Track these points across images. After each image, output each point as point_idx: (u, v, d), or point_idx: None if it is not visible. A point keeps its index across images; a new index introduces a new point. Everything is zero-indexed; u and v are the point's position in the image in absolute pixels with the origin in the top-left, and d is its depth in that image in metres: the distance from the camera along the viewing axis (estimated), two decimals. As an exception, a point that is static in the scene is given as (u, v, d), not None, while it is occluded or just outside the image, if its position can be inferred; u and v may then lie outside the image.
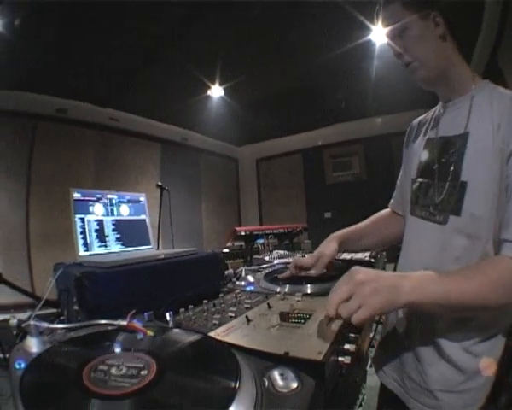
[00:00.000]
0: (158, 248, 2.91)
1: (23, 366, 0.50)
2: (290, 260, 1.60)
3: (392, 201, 1.14)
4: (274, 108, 4.46)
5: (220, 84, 3.80)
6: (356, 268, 0.65)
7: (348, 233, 1.11)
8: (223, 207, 6.20)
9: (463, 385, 0.76)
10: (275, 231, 2.64)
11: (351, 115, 4.71)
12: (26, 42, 2.64)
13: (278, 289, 1.03)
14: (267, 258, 1.90)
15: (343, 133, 5.35)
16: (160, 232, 3.19)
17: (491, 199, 0.72)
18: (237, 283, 1.23)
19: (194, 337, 0.62)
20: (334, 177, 5.59)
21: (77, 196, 1.17)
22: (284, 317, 0.72)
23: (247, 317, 0.74)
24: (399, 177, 1.09)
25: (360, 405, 1.08)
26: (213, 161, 6.05)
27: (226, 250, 2.53)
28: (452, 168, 0.78)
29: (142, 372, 0.46)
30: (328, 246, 1.04)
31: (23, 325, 0.61)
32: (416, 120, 1.03)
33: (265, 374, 0.48)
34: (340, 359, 0.58)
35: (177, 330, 0.69)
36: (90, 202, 1.21)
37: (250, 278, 1.26)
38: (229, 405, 0.39)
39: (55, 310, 0.99)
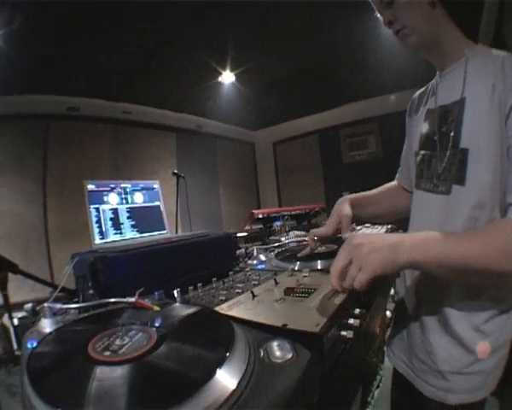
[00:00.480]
0: (176, 233, 2.99)
1: (35, 345, 0.53)
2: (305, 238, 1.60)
3: (397, 175, 1.11)
4: (287, 90, 4.39)
5: (231, 70, 3.75)
6: (352, 235, 0.66)
7: (359, 198, 1.07)
8: (241, 191, 6.24)
9: (472, 367, 0.74)
10: (292, 213, 2.65)
11: (365, 93, 4.61)
12: (33, 45, 2.71)
13: (288, 267, 1.03)
14: (283, 239, 1.91)
15: (358, 112, 5.27)
16: (178, 219, 3.25)
17: (493, 164, 0.69)
18: (249, 262, 1.24)
19: (193, 310, 0.64)
20: (351, 156, 5.54)
21: (91, 187, 1.22)
22: (288, 291, 0.72)
23: (252, 292, 0.75)
24: (403, 151, 1.07)
25: (378, 386, 1.08)
26: (229, 146, 6.06)
27: (244, 234, 2.57)
28: (452, 136, 0.76)
29: (143, 342, 0.49)
30: (344, 206, 1.00)
31: (37, 308, 0.64)
32: (417, 94, 1.00)
33: (262, 345, 0.49)
34: (342, 333, 0.57)
35: (180, 304, 0.71)
36: (105, 192, 1.26)
37: (262, 257, 1.27)
38: (216, 370, 0.40)
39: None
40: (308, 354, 0.46)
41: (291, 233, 2.10)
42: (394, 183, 1.13)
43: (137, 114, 4.57)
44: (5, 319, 3.52)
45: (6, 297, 1.01)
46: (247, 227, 2.55)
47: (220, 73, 3.81)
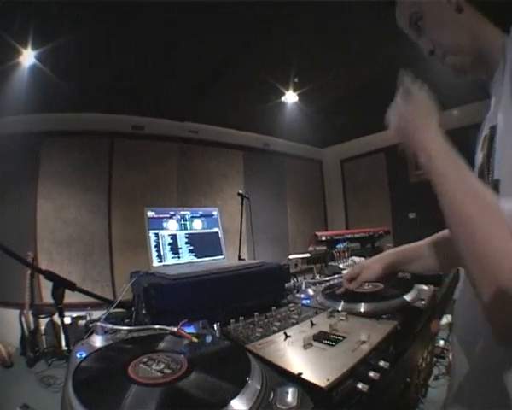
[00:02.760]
0: (239, 257, 3.13)
1: (84, 356, 0.67)
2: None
3: None
4: (351, 107, 4.41)
5: (294, 91, 3.90)
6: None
7: (402, 251, 1.07)
8: (308, 209, 6.29)
9: None
10: (356, 236, 2.64)
11: None
12: (98, 66, 3.06)
13: (332, 306, 1.07)
14: (341, 265, 1.92)
15: None
16: (241, 239, 3.40)
17: None
18: (297, 295, 1.30)
19: (224, 345, 0.75)
20: (417, 175, 5.36)
21: (151, 213, 1.38)
22: (319, 337, 0.77)
23: (285, 333, 0.82)
24: None
25: None
26: (297, 164, 6.17)
27: (307, 255, 2.63)
28: (489, 164, 0.71)
29: (175, 369, 0.60)
30: (370, 269, 1.07)
31: (90, 325, 0.79)
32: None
33: (275, 388, 0.56)
34: (358, 386, 0.60)
35: (216, 338, 0.81)
36: (164, 219, 1.41)
37: (309, 292, 1.32)
38: (226, 404, 0.50)
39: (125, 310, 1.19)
40: (311, 406, 0.52)
41: (350, 259, 2.10)
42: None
43: (204, 134, 4.93)
44: (56, 317, 3.96)
45: (61, 311, 1.19)
46: (311, 248, 2.61)
47: (283, 93, 3.97)
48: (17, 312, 3.68)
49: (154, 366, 0.61)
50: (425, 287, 1.17)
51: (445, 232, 1.05)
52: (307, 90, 3.82)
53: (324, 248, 2.57)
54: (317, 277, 2.01)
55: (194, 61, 3.20)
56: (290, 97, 4.05)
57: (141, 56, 3.03)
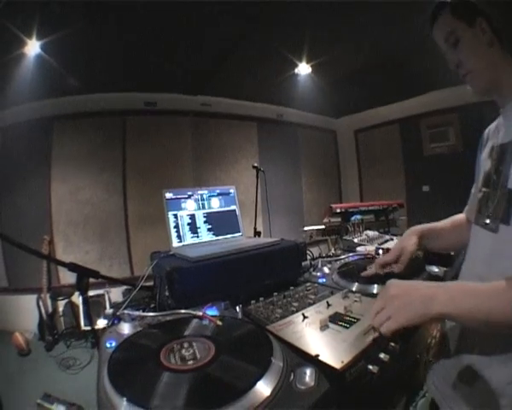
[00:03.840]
0: (255, 233, 3.21)
1: (114, 345, 0.75)
2: (371, 248, 1.65)
3: (466, 207, 1.12)
4: (365, 79, 4.34)
5: (307, 62, 3.85)
6: (390, 282, 0.74)
7: (428, 230, 1.16)
8: (323, 179, 6.29)
9: None
10: (370, 208, 2.69)
11: (443, 82, 4.28)
12: (110, 45, 3.05)
13: (347, 286, 1.14)
14: (356, 240, 1.97)
15: (438, 101, 5.04)
16: (257, 211, 3.47)
17: None
18: (313, 273, 1.37)
19: (247, 328, 0.82)
20: (432, 148, 5.33)
21: (169, 195, 1.42)
22: (334, 318, 0.84)
23: (303, 314, 0.89)
24: (474, 185, 1.07)
25: (424, 395, 1.12)
26: (311, 134, 6.12)
27: (322, 226, 2.70)
28: (503, 175, 0.80)
29: (204, 354, 0.67)
30: (410, 239, 1.13)
31: (118, 313, 0.87)
32: (487, 129, 1.02)
33: (295, 369, 0.63)
34: (369, 367, 0.66)
35: (239, 320, 0.88)
36: (182, 200, 1.46)
37: (325, 270, 1.38)
38: (252, 386, 0.56)
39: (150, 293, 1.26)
40: (327, 386, 0.58)
41: (364, 233, 2.14)
42: (462, 215, 1.15)
43: (217, 106, 4.92)
44: (75, 297, 4.14)
45: (86, 300, 1.26)
46: (326, 220, 2.67)
47: (296, 65, 3.92)
48: (34, 297, 3.81)
49: (183, 352, 0.67)
50: (436, 269, 1.22)
51: (459, 216, 1.15)
52: (321, 62, 3.77)
53: (339, 220, 2.62)
54: (332, 250, 2.08)
55: (208, 34, 3.15)
56: (303, 69, 4.02)
57: (152, 31, 3.01)
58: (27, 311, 3.82)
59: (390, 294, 0.71)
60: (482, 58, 0.82)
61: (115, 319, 0.91)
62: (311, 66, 3.95)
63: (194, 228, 1.47)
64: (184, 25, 2.94)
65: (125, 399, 0.54)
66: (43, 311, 3.77)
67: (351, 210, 2.58)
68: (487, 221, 0.84)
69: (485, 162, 0.92)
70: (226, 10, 2.75)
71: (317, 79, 4.23)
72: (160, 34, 3.07)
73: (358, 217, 2.42)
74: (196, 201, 1.52)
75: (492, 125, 0.99)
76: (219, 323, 0.82)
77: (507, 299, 0.62)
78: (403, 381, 0.97)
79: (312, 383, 0.58)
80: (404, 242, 1.14)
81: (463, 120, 4.88)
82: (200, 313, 0.86)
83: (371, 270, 1.18)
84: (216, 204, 1.59)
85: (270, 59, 3.66)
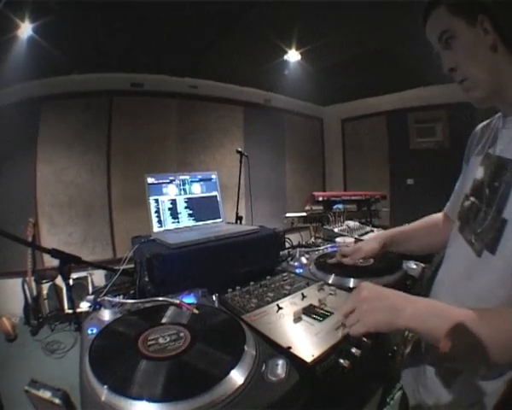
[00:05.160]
0: (237, 218, 3.22)
1: (95, 331, 0.76)
2: (350, 240, 1.69)
3: (448, 204, 1.10)
4: (354, 70, 4.36)
5: (297, 49, 3.83)
6: (363, 285, 0.73)
7: (394, 235, 1.20)
8: (307, 166, 6.33)
9: None
10: (353, 198, 2.70)
11: (434, 78, 4.33)
12: (97, 23, 2.97)
13: (323, 278, 1.16)
14: (336, 230, 2.00)
15: (427, 97, 5.09)
16: (239, 195, 3.47)
17: None
18: (290, 263, 1.40)
19: (222, 317, 0.84)
20: (418, 143, 5.42)
21: (151, 180, 1.41)
22: (308, 310, 0.86)
23: (277, 305, 0.91)
24: (458, 182, 1.05)
25: (401, 388, 1.17)
26: (297, 120, 6.12)
27: (304, 214, 2.72)
28: (498, 198, 0.72)
29: (180, 342, 0.69)
30: (369, 244, 1.18)
31: (98, 300, 0.87)
32: (479, 127, 0.95)
33: (267, 360, 0.65)
34: (340, 361, 0.69)
35: (215, 309, 0.90)
36: (164, 185, 1.45)
37: (303, 260, 1.40)
38: (226, 374, 0.59)
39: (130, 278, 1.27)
40: (297, 378, 0.61)
41: (345, 223, 2.17)
42: (439, 215, 1.15)
43: (204, 89, 4.84)
44: (59, 280, 4.08)
45: (69, 286, 1.26)
46: (308, 207, 2.69)
47: (286, 52, 3.89)
48: (19, 280, 3.74)
49: (160, 340, 0.69)
50: (414, 265, 1.26)
51: (433, 218, 1.16)
52: (310, 50, 3.74)
53: (321, 208, 2.64)
54: (312, 239, 2.11)
55: (197, 18, 3.08)
56: (293, 56, 3.99)
57: (141, 14, 2.93)
58: (13, 295, 3.76)
59: (361, 296, 0.70)
60: (483, 63, 0.73)
61: (96, 305, 0.91)
62: (301, 53, 3.92)
63: (174, 213, 1.47)
64: (174, 9, 2.86)
65: (106, 386, 0.56)
66: (28, 294, 3.71)
67: (333, 199, 2.58)
68: (473, 239, 0.79)
69: (475, 167, 0.86)
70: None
71: (307, 66, 4.21)
72: (148, 18, 3.01)
73: (340, 206, 2.45)
74: (178, 186, 1.51)
75: (484, 125, 0.93)
76: (196, 311, 0.84)
77: (479, 329, 0.60)
78: (379, 372, 1.01)
79: (283, 375, 0.61)
80: (364, 244, 1.21)
81: (452, 117, 4.93)
82: (177, 301, 0.88)
83: (333, 259, 1.26)
84: (197, 190, 1.59)
85: (259, 45, 3.61)
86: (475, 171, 0.85)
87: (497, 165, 0.77)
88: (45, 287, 3.90)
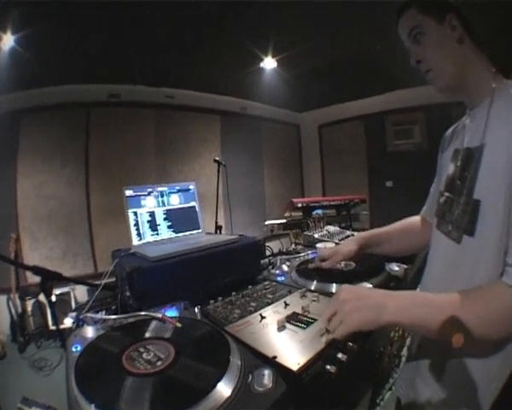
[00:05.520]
0: (217, 227, 3.21)
1: (79, 349, 0.74)
2: (330, 245, 1.70)
3: (424, 208, 1.15)
4: (331, 75, 4.45)
5: (273, 57, 3.88)
6: (343, 287, 0.75)
7: (371, 237, 1.22)
8: (285, 173, 6.39)
9: None
10: (332, 203, 2.73)
11: (411, 81, 4.46)
12: (72, 35, 2.97)
13: (305, 284, 1.17)
14: (316, 235, 2.01)
15: (404, 100, 5.24)
16: (218, 204, 3.47)
17: (502, 220, 0.68)
18: (272, 271, 1.39)
19: (205, 330, 0.83)
20: (396, 145, 5.54)
21: (129, 192, 1.39)
22: (291, 318, 0.86)
23: (260, 315, 0.91)
24: (434, 184, 1.09)
25: (390, 388, 1.18)
26: (274, 128, 6.18)
27: (283, 221, 2.73)
28: (468, 184, 0.77)
29: (164, 356, 0.68)
30: (346, 246, 1.20)
31: (81, 316, 0.85)
32: (449, 130, 1.02)
33: (253, 371, 0.65)
34: (327, 367, 0.69)
35: (197, 321, 0.89)
36: (142, 197, 1.43)
37: (284, 268, 1.41)
38: (213, 387, 0.59)
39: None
40: (284, 387, 0.61)
41: (325, 229, 2.18)
42: (416, 218, 1.19)
43: (180, 98, 4.85)
44: (42, 296, 3.99)
45: (51, 303, 1.23)
46: (287, 214, 2.70)
47: (262, 59, 3.93)
48: (4, 297, 3.67)
49: (144, 356, 0.68)
50: (396, 267, 1.26)
51: (411, 220, 1.20)
52: (286, 57, 3.80)
53: (300, 214, 2.66)
54: (293, 245, 2.12)
55: (173, 27, 3.09)
56: (269, 63, 4.03)
57: (116, 24, 2.92)
58: None
59: (341, 298, 0.71)
60: (448, 55, 0.79)
61: (79, 321, 0.89)
62: (277, 60, 3.97)
63: (154, 225, 1.46)
64: (148, 19, 2.87)
65: (93, 405, 0.55)
66: (13, 311, 3.64)
67: (312, 204, 2.60)
68: (450, 229, 0.83)
69: (447, 165, 0.92)
70: (193, 4, 2.70)
71: (283, 73, 4.26)
72: (126, 28, 3.01)
73: (320, 212, 2.47)
74: (156, 197, 1.50)
75: (454, 126, 0.99)
76: (178, 325, 0.82)
77: (468, 310, 0.64)
78: (368, 374, 1.02)
79: (270, 385, 0.60)
80: (341, 246, 1.23)
81: (429, 119, 5.05)
82: (160, 315, 0.86)
83: (313, 264, 1.28)
84: (176, 201, 1.58)
85: (235, 53, 3.65)
86: (447, 167, 0.91)
87: (465, 156, 0.82)
88: (29, 304, 3.83)
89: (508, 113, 0.71)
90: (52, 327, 3.60)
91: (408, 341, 1.19)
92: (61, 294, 3.70)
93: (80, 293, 3.86)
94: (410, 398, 0.92)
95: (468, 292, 0.68)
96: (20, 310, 3.70)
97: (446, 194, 0.89)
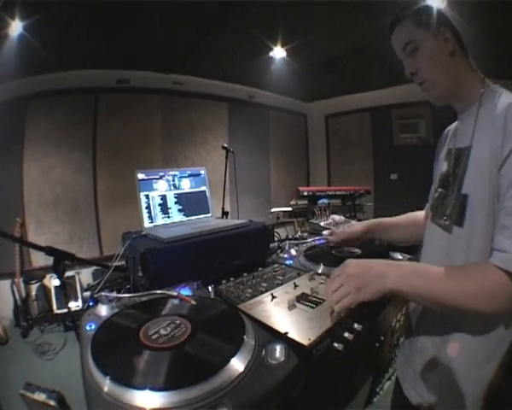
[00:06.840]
0: (223, 213, 3.23)
1: (93, 327, 0.76)
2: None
3: (427, 205, 1.19)
4: (339, 66, 4.40)
5: (282, 46, 3.85)
6: (348, 262, 0.80)
7: (378, 224, 1.31)
8: (291, 162, 6.37)
9: None
10: (337, 193, 2.75)
11: None
12: (82, 19, 2.96)
13: (312, 268, 1.20)
14: (322, 223, 2.04)
15: (411, 94, 5.10)
16: (225, 190, 3.48)
17: (487, 211, 0.76)
18: (280, 255, 1.43)
19: (220, 308, 0.86)
20: (402, 138, 5.48)
21: (141, 176, 1.42)
22: (301, 298, 0.90)
23: (272, 294, 0.94)
24: (433, 183, 1.13)
25: (389, 378, 1.22)
26: (282, 116, 6.14)
27: (289, 209, 2.76)
28: (458, 180, 0.85)
29: (181, 332, 0.71)
30: (354, 227, 1.34)
31: (95, 296, 0.88)
32: (447, 129, 1.08)
33: (266, 345, 0.68)
34: (334, 345, 0.73)
35: (212, 300, 0.92)
36: (154, 180, 1.46)
37: (292, 252, 1.44)
38: (227, 363, 0.61)
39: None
40: (296, 361, 0.64)
41: (330, 217, 2.21)
42: (420, 213, 1.24)
43: (189, 85, 4.81)
44: (46, 280, 4.03)
45: (64, 284, 1.26)
46: (293, 202, 2.73)
47: (271, 49, 3.91)
48: (8, 282, 3.66)
49: (162, 331, 0.71)
50: (400, 256, 1.30)
51: (417, 213, 1.26)
52: (296, 47, 3.77)
53: (306, 202, 2.69)
54: (299, 233, 2.15)
55: (183, 15, 3.06)
56: (278, 53, 4.00)
57: (126, 10, 2.90)
58: (2, 297, 3.66)
59: (348, 273, 0.77)
60: (441, 68, 0.85)
61: (91, 301, 0.92)
62: (286, 50, 3.93)
63: (165, 208, 1.48)
64: (160, 6, 2.83)
65: (108, 377, 0.57)
66: (17, 296, 3.63)
67: (318, 194, 2.62)
68: (443, 221, 0.90)
69: (442, 163, 0.99)
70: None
71: (292, 63, 4.22)
72: (135, 15, 2.99)
73: (325, 201, 2.49)
74: (168, 181, 1.52)
75: (452, 127, 1.04)
76: (194, 302, 0.85)
77: (461, 283, 0.70)
78: (369, 362, 1.05)
79: (283, 358, 0.64)
80: (349, 227, 1.38)
81: (435, 114, 4.95)
82: (175, 294, 0.89)
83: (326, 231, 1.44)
84: (187, 185, 1.60)
85: (245, 42, 3.61)
86: (441, 165, 0.99)
87: (456, 156, 0.89)
88: (34, 288, 3.82)
89: (492, 119, 0.77)
90: (57, 311, 3.59)
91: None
92: (66, 277, 3.66)
93: (85, 277, 3.82)
94: (409, 375, 0.96)
95: (460, 267, 0.76)
96: (23, 294, 3.70)
97: (440, 190, 0.96)
